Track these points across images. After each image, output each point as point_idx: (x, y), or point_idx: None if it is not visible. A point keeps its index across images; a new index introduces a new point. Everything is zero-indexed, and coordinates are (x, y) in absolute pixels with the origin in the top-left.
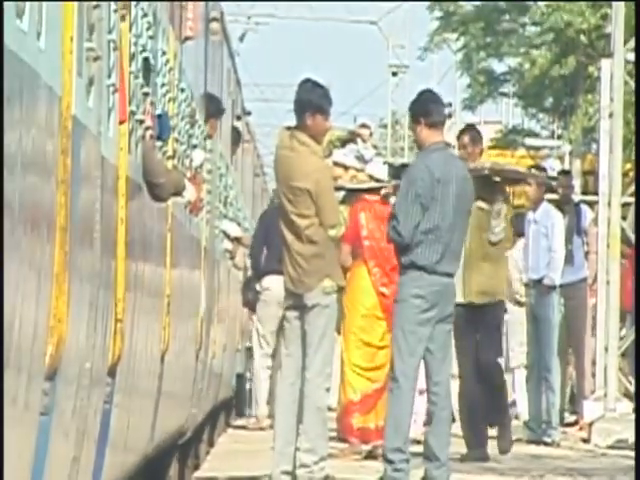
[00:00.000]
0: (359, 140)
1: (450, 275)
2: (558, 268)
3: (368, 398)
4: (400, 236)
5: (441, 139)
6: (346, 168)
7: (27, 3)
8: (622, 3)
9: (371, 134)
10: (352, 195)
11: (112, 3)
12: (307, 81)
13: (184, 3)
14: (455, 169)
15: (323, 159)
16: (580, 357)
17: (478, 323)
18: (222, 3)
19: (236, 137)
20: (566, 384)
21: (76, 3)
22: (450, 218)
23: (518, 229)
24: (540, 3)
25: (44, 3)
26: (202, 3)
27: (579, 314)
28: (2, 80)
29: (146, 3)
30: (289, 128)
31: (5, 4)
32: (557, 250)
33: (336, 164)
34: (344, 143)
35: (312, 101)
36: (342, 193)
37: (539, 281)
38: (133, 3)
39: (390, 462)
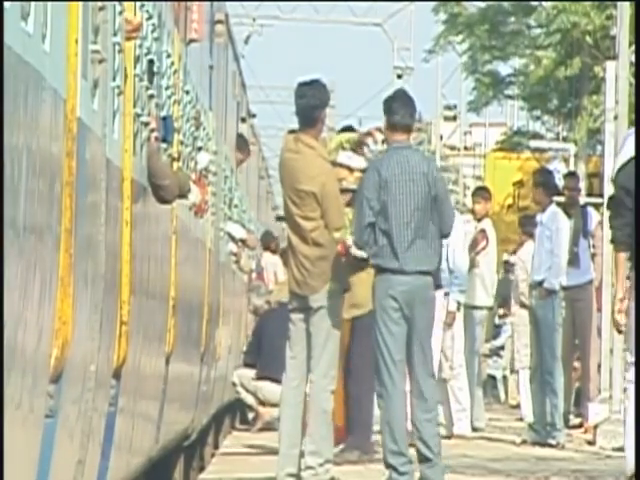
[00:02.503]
0: (370, 140)
1: (423, 273)
2: (558, 273)
3: None
4: (355, 239)
5: (403, 138)
6: (351, 170)
7: (32, 6)
8: (627, 5)
9: (384, 141)
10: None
11: (117, 5)
12: (309, 83)
13: (189, 4)
14: (414, 168)
15: (328, 162)
16: (586, 359)
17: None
18: (227, 5)
19: (243, 145)
20: (571, 386)
21: (81, 5)
22: (406, 216)
23: (525, 230)
24: (545, 4)
25: (49, 5)
26: (207, 5)
27: (585, 316)
28: (2, 81)
29: (151, 5)
30: (293, 131)
31: (10, 6)
32: (558, 255)
33: (341, 166)
34: (355, 145)
35: (325, 100)
36: (348, 195)
37: (540, 283)
38: (138, 5)
39: (393, 467)
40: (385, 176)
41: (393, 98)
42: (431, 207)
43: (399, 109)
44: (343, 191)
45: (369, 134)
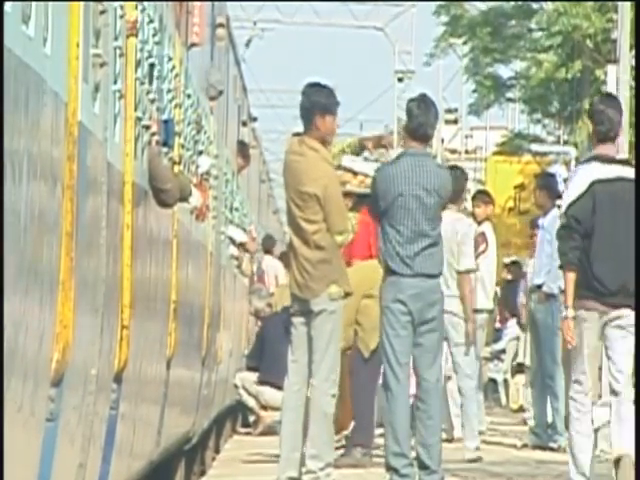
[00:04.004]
0: (367, 152)
1: (430, 276)
2: (557, 277)
3: None
4: None
5: (421, 147)
6: (355, 174)
7: (33, 9)
8: (628, 8)
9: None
10: (362, 201)
11: (118, 9)
12: (312, 84)
13: (190, 5)
14: (428, 178)
15: (332, 165)
16: None
17: None
18: (228, 7)
19: (244, 152)
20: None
21: (82, 8)
22: (418, 226)
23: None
24: (546, 6)
25: (50, 9)
26: (208, 8)
27: None
28: (3, 84)
29: (152, 9)
30: (298, 134)
31: (11, 10)
32: (557, 259)
33: (345, 169)
34: (354, 150)
35: (320, 102)
36: (351, 199)
37: (539, 287)
38: (139, 8)
39: (394, 470)
40: (398, 183)
41: (417, 104)
42: (440, 215)
43: (421, 117)
44: (346, 195)
45: (369, 141)
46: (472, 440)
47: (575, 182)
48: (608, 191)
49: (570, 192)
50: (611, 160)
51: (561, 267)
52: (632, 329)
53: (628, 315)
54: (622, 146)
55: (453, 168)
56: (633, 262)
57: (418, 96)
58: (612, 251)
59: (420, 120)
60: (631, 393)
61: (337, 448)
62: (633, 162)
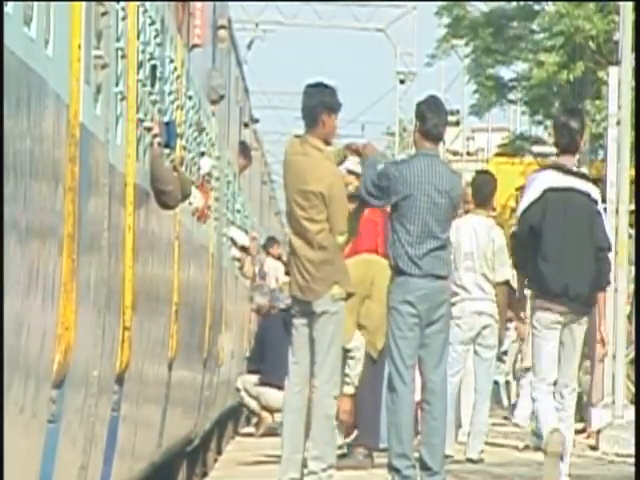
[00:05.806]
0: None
1: (439, 277)
2: None
3: None
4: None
5: (433, 147)
6: (358, 176)
7: (35, 11)
8: (630, 8)
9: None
10: (365, 205)
11: (120, 11)
12: (315, 84)
13: (192, 6)
14: (439, 179)
15: (335, 165)
16: (592, 365)
17: None
18: (230, 10)
19: (246, 152)
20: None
21: (84, 10)
22: (426, 226)
23: None
24: (548, 8)
25: (52, 11)
26: (210, 10)
27: (590, 322)
28: (2, 86)
29: (153, 11)
30: (298, 136)
31: (13, 11)
32: None
33: (349, 172)
34: (341, 157)
35: (326, 101)
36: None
37: None
38: (141, 10)
39: (396, 470)
40: (411, 182)
41: (427, 106)
42: (450, 218)
43: (433, 118)
44: (349, 197)
45: (351, 149)
46: (479, 439)
47: (531, 189)
48: (559, 199)
49: (526, 198)
50: (567, 171)
51: (515, 267)
52: (576, 326)
53: (571, 314)
54: (623, 148)
55: (483, 172)
56: (579, 266)
57: (428, 98)
58: (558, 255)
59: (434, 121)
60: (575, 388)
61: (338, 456)
62: (591, 176)
